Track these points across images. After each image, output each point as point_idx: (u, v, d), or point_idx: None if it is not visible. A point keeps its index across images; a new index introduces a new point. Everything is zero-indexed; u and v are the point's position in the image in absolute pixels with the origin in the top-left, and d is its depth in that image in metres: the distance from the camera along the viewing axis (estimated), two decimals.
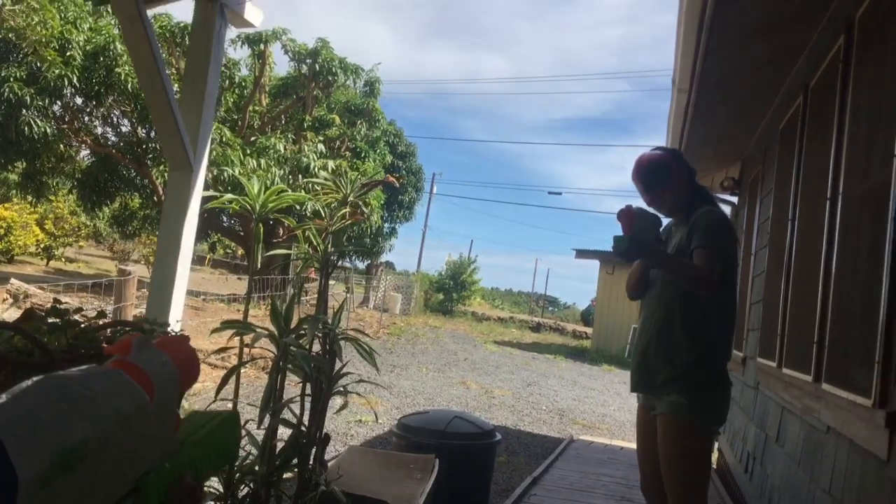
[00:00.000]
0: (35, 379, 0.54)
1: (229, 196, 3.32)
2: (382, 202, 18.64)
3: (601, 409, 11.22)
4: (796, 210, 4.42)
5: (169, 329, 2.05)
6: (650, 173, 2.98)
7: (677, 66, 4.89)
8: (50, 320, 2.50)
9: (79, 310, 2.35)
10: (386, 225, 23.14)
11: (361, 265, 27.16)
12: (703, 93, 5.15)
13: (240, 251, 26.46)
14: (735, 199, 8.23)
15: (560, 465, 6.01)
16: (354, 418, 7.82)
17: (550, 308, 59.72)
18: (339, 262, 3.63)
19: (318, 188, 3.77)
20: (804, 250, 4.18)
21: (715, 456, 7.67)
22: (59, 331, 2.35)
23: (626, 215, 2.90)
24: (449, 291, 32.21)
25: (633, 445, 7.83)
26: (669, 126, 6.47)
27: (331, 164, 16.04)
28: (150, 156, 15.46)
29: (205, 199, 3.62)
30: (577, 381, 14.29)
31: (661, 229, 3.11)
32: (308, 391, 3.33)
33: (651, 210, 3.04)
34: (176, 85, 11.56)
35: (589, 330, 26.84)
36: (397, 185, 4.42)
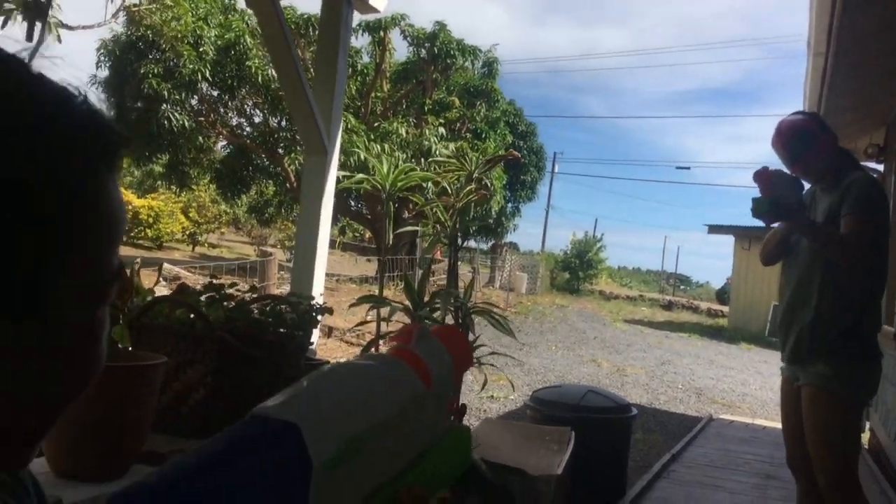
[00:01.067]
0: (327, 367, 0.62)
1: (361, 176, 3.45)
2: (504, 183, 18.66)
3: (741, 389, 10.85)
4: None
5: (313, 302, 2.18)
6: (793, 139, 2.84)
7: (812, 27, 4.64)
8: (205, 295, 2.70)
9: (233, 285, 2.53)
10: (509, 205, 23.14)
11: (485, 246, 27.32)
12: (840, 55, 4.86)
13: (367, 234, 27.20)
14: (881, 167, 7.71)
15: (699, 443, 5.89)
16: (487, 394, 7.93)
17: (682, 287, 57.99)
18: (465, 240, 3.70)
19: (442, 168, 3.84)
20: None
21: (867, 436, 7.29)
22: (216, 304, 2.54)
23: (764, 177, 2.79)
24: (575, 270, 31.87)
25: (778, 425, 7.56)
26: (805, 92, 6.15)
27: (451, 146, 16.20)
28: (282, 145, 16.12)
29: (337, 182, 3.77)
30: (714, 360, 13.86)
31: (802, 193, 2.98)
32: None
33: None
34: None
35: (725, 308, 25.89)
36: (519, 159, 4.43)
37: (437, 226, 3.58)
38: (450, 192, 3.71)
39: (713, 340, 18.20)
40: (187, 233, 24.95)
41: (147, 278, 2.35)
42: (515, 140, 22.25)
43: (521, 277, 25.83)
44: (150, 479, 0.46)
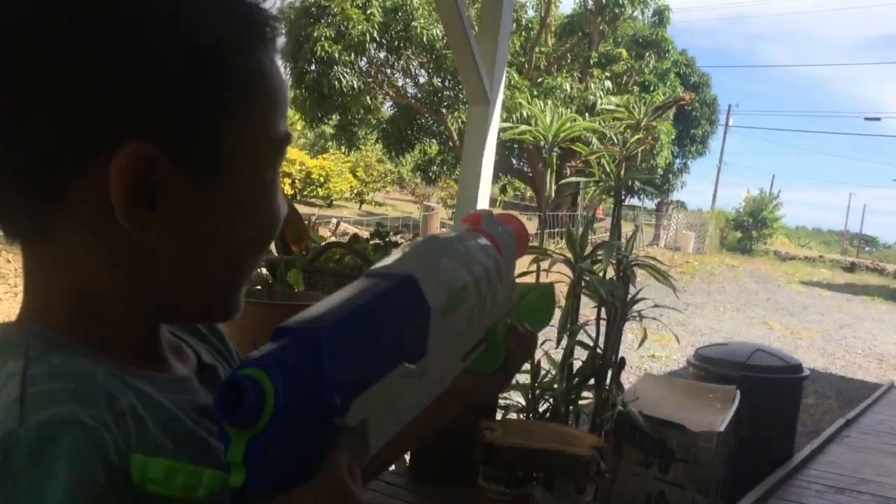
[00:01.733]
0: (428, 237, 0.70)
1: (524, 127, 3.45)
2: (673, 137, 17.95)
3: None
4: None
5: None
6: None
7: None
8: (373, 242, 2.84)
9: (397, 233, 2.64)
10: (676, 161, 22.26)
11: (651, 204, 26.50)
12: None
13: (529, 192, 27.16)
14: None
15: (878, 410, 5.51)
16: (648, 353, 7.80)
17: (867, 248, 53.74)
18: (630, 195, 3.62)
19: (610, 116, 3.77)
20: None
21: None
22: (382, 250, 2.66)
23: None
24: (748, 229, 30.28)
25: None
26: None
27: (615, 99, 15.76)
28: (446, 104, 16.34)
29: (502, 134, 3.80)
30: None
31: None
32: (603, 315, 3.41)
33: None
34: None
35: None
36: (691, 101, 4.26)
37: (603, 177, 3.52)
38: (616, 141, 3.63)
39: None
40: (355, 192, 25.96)
41: (323, 233, 2.51)
42: (687, 92, 21.29)
43: (687, 236, 24.92)
44: (309, 312, 0.52)
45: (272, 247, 2.29)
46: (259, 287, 2.15)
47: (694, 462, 3.04)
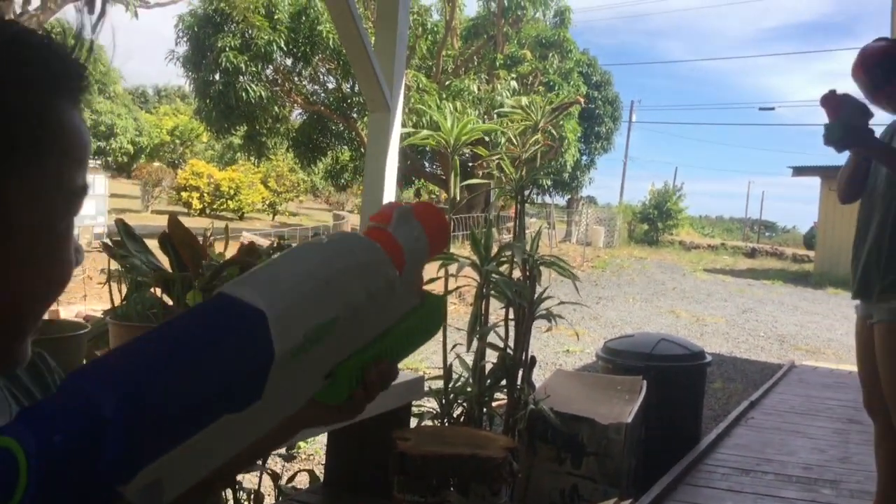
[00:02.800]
0: (303, 247, 0.61)
1: (425, 132, 3.44)
2: (579, 135, 18.34)
3: (826, 334, 10.50)
4: None
5: None
6: (877, 66, 2.60)
7: None
8: (273, 256, 2.77)
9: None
10: (584, 158, 22.77)
11: (562, 201, 27.02)
12: None
13: (443, 195, 27.28)
14: None
15: (780, 390, 5.75)
16: (562, 348, 7.93)
17: (767, 233, 56.08)
18: (535, 193, 3.67)
19: (507, 119, 3.80)
20: None
21: None
22: None
23: (833, 101, 2.60)
24: (653, 221, 31.22)
25: None
26: (894, 21, 5.77)
27: (524, 99, 15.98)
28: (356, 109, 16.23)
29: (404, 140, 3.78)
30: (799, 307, 13.44)
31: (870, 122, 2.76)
32: (511, 316, 3.44)
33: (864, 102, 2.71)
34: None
35: (811, 254, 24.97)
36: (582, 103, 4.34)
37: (503, 178, 3.55)
38: (515, 143, 3.67)
39: (798, 286, 17.62)
40: (267, 203, 25.52)
41: (234, 246, 2.42)
42: (590, 90, 21.79)
43: (598, 231, 25.51)
44: (112, 358, 0.46)
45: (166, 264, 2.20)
46: (154, 310, 2.06)
47: (605, 454, 3.10)
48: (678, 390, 4.05)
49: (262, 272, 0.56)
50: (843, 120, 2.56)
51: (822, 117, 2.66)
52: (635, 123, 41.06)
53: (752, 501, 3.32)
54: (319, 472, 3.11)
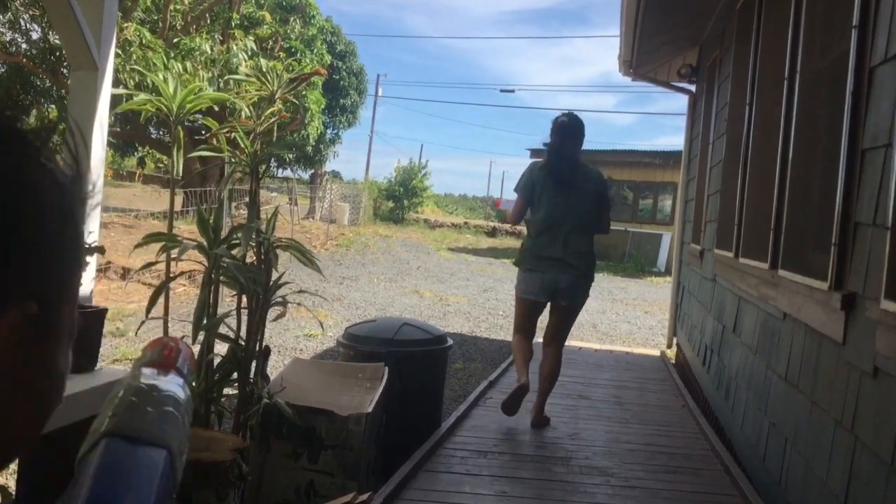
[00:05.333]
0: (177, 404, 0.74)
1: (143, 97, 3.16)
2: (323, 107, 18.22)
3: None
4: (754, 93, 4.41)
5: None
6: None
7: None
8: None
9: None
10: (328, 131, 22.72)
11: (305, 175, 26.79)
12: None
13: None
14: (693, 88, 8.21)
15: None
16: (303, 333, 7.85)
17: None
18: (276, 167, 3.54)
19: (242, 87, 3.62)
20: (762, 135, 4.19)
21: (673, 351, 7.92)
22: None
23: None
24: (399, 199, 32.06)
25: (592, 346, 7.97)
26: (623, 13, 6.34)
27: (264, 63, 15.53)
28: (66, 64, 14.74)
29: (119, 104, 3.46)
30: None
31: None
32: (244, 304, 3.30)
33: None
34: None
35: None
36: (324, 74, 4.26)
37: (237, 153, 3.37)
38: (250, 114, 3.50)
39: None
40: None
41: None
42: (334, 60, 21.72)
43: (342, 208, 25.65)
44: None
45: None
46: None
47: (344, 447, 3.08)
48: (420, 375, 4.16)
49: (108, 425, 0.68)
50: None
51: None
52: (381, 98, 41.76)
53: (488, 484, 3.49)
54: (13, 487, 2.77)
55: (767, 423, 3.48)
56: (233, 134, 3.45)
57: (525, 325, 4.73)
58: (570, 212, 4.42)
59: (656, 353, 7.87)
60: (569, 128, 4.51)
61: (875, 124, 2.41)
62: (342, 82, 22.90)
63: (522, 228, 30.02)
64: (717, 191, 5.70)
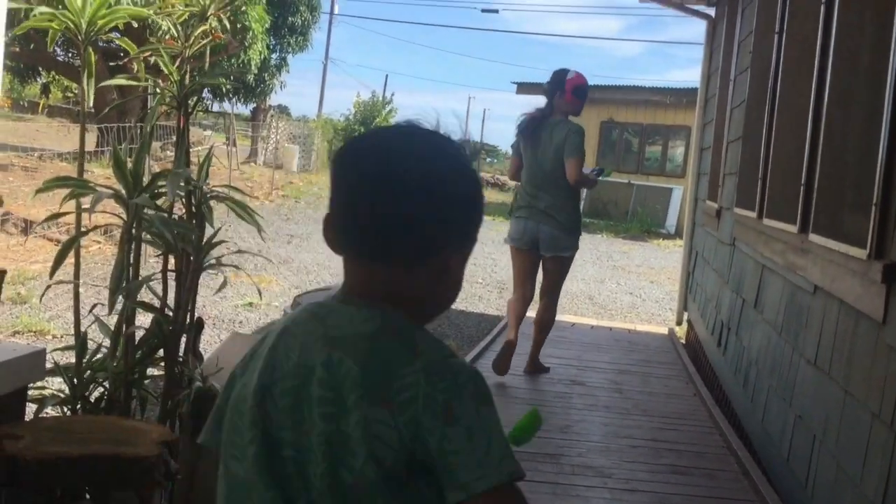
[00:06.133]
0: None
1: (44, 11, 3.09)
2: (267, 25, 17.99)
3: None
4: (784, 19, 4.41)
5: None
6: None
7: None
8: None
9: None
10: (274, 56, 22.44)
11: (246, 110, 26.49)
12: None
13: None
14: (712, 11, 8.20)
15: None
16: (243, 302, 7.83)
17: (489, 159, 59.82)
18: (210, 102, 3.49)
19: (169, 3, 3.57)
20: (793, 71, 4.21)
21: (683, 329, 8.02)
22: None
23: None
24: None
25: (587, 321, 8.04)
26: None
27: None
28: None
29: (18, 22, 3.38)
30: None
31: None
32: (172, 266, 3.27)
33: None
34: None
35: None
36: None
37: (161, 82, 3.33)
38: (176, 34, 3.44)
39: None
40: None
41: None
42: None
43: (291, 150, 25.49)
44: None
45: None
46: None
47: None
48: None
49: None
50: None
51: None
52: (338, 16, 41.25)
53: None
54: None
55: (793, 415, 3.54)
56: (155, 59, 3.39)
57: (519, 281, 5.73)
58: (539, 166, 5.37)
59: (664, 330, 7.95)
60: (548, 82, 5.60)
61: None
62: None
63: (506, 179, 30.35)
64: (738, 137, 5.73)
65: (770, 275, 4.28)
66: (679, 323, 8.32)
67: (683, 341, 7.55)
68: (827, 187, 3.39)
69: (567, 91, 5.41)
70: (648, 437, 4.42)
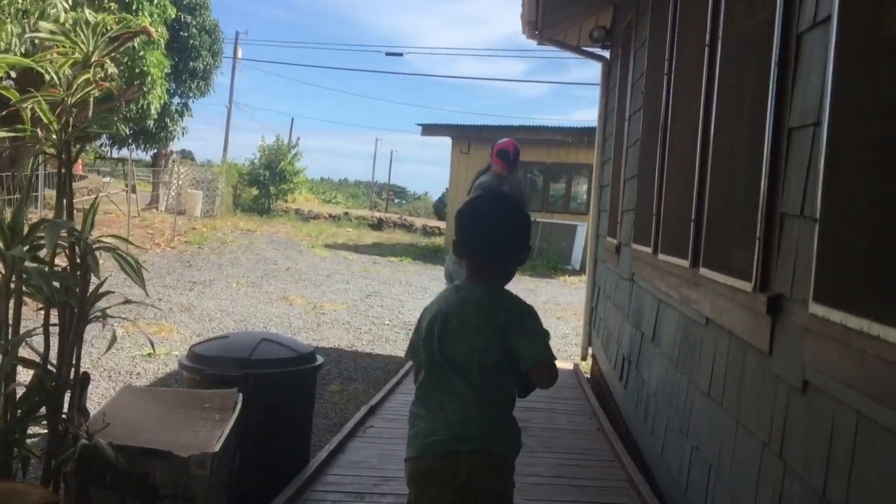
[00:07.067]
0: None
1: None
2: (167, 70, 17.76)
3: None
4: (672, 62, 4.54)
5: None
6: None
7: None
8: None
9: None
10: (175, 101, 22.16)
11: (146, 155, 26.00)
12: None
13: None
14: (606, 54, 8.41)
15: (405, 389, 6.12)
16: (141, 352, 7.61)
17: (397, 200, 60.02)
18: (109, 148, 3.39)
19: (46, 49, 3.48)
20: (681, 110, 4.32)
21: (588, 364, 8.10)
22: None
23: None
24: (265, 185, 31.62)
25: None
26: None
27: (89, 15, 14.97)
28: None
29: None
30: (428, 288, 14.58)
31: None
32: (54, 320, 3.15)
33: None
34: None
35: (443, 224, 27.30)
36: (151, 34, 4.14)
37: (39, 130, 3.23)
38: (57, 82, 3.35)
39: (428, 264, 19.16)
40: None
41: None
42: (180, 14, 21.20)
43: (194, 196, 25.12)
44: None
45: None
46: None
47: (185, 497, 3.00)
48: (283, 402, 4.09)
49: None
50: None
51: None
52: (241, 60, 41.10)
53: None
54: None
55: (690, 447, 3.59)
56: (32, 107, 3.29)
57: None
58: None
59: (569, 365, 8.01)
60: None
61: (803, 99, 2.51)
62: (192, 41, 22.38)
63: (414, 219, 30.54)
64: (634, 175, 5.85)
65: (666, 308, 4.35)
66: (584, 358, 8.40)
67: (588, 376, 7.61)
68: (715, 223, 3.48)
69: (493, 154, 6.53)
70: (553, 474, 4.42)
